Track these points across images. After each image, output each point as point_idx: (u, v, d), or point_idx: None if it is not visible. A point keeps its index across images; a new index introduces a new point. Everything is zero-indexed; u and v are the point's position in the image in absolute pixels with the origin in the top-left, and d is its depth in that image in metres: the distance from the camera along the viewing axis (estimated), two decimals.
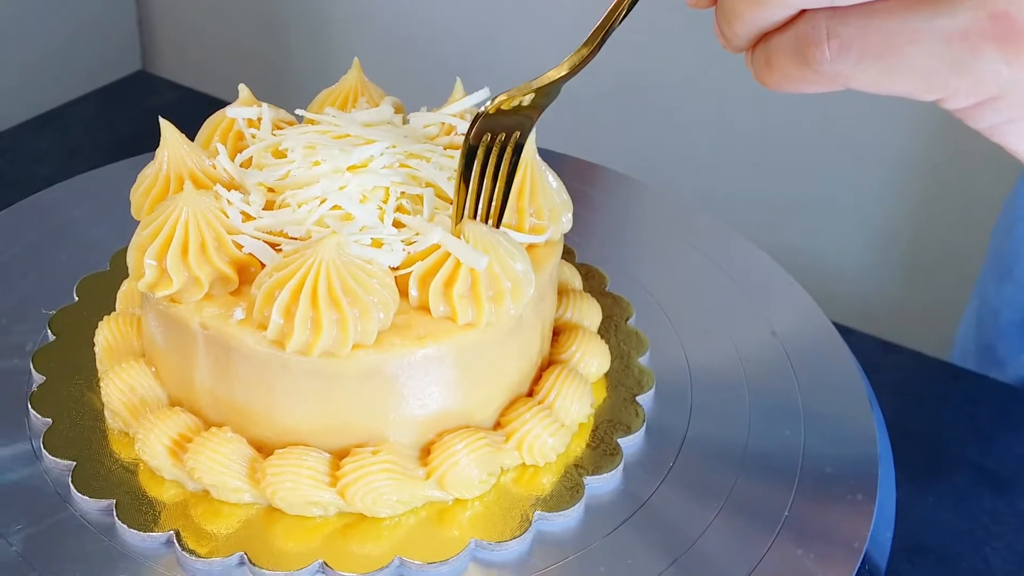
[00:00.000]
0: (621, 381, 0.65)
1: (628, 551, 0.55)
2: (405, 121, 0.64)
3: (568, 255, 0.75)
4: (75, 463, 0.56)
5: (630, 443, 0.61)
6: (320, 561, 0.52)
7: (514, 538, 0.54)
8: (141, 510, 0.54)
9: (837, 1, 0.35)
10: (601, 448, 0.60)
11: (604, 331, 0.68)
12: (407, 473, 0.54)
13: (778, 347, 0.69)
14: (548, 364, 0.63)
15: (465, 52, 1.43)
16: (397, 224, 0.56)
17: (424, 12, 1.44)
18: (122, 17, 1.60)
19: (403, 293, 0.54)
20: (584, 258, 0.76)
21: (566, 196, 0.61)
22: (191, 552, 0.52)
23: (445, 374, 0.54)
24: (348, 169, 0.56)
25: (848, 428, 0.63)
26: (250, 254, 0.54)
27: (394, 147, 0.58)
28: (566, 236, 0.65)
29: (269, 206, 0.57)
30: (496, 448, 0.56)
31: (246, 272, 0.55)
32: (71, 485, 0.55)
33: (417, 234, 0.55)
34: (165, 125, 0.57)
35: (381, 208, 0.55)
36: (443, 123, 0.64)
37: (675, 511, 0.57)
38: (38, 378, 0.62)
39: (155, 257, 0.53)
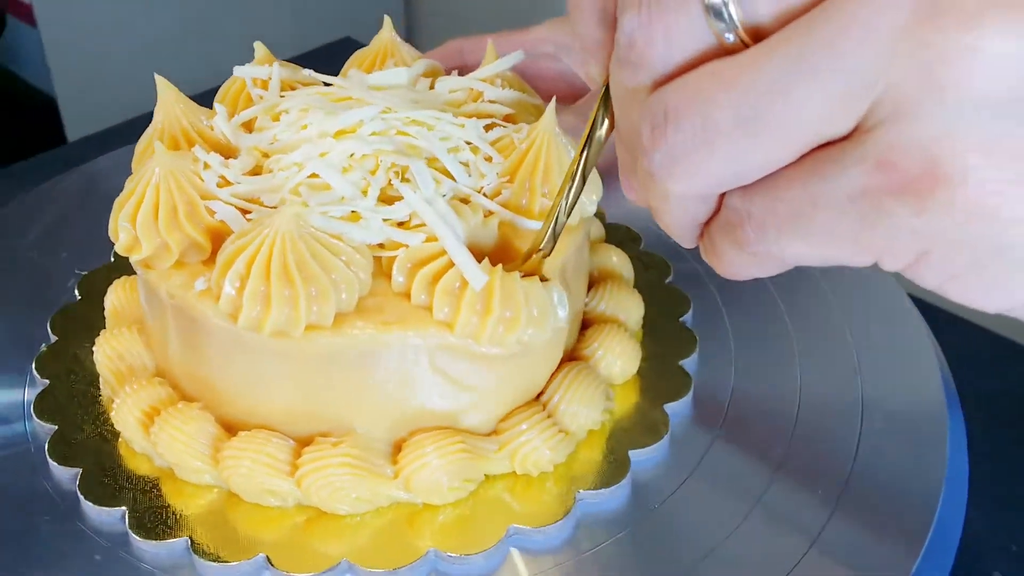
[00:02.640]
0: (653, 386, 0.57)
1: (611, 571, 0.48)
2: (432, 86, 0.59)
3: (632, 241, 0.68)
4: (56, 428, 0.55)
5: (644, 456, 0.54)
6: (263, 556, 0.48)
7: (481, 552, 0.49)
8: (104, 483, 0.52)
9: (736, 181, 0.32)
10: (610, 459, 0.53)
11: (650, 328, 0.61)
12: (372, 469, 0.50)
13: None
14: (570, 358, 0.56)
15: None
16: (388, 199, 0.51)
17: None
18: None
19: (386, 274, 0.50)
20: (655, 245, 0.68)
21: (591, 175, 0.54)
22: (141, 532, 0.49)
23: (415, 370, 0.49)
24: (335, 135, 0.52)
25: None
26: (222, 221, 0.50)
27: (391, 111, 0.53)
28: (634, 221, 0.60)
29: (258, 171, 0.53)
30: (475, 455, 0.50)
31: (220, 240, 0.51)
32: (45, 450, 0.54)
33: (412, 215, 0.50)
34: (160, 82, 0.54)
35: (367, 180, 0.50)
36: (471, 88, 0.58)
37: (676, 535, 0.50)
38: (52, 338, 0.61)
39: (128, 220, 0.51)
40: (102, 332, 0.57)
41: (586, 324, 0.59)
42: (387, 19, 0.61)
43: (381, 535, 0.50)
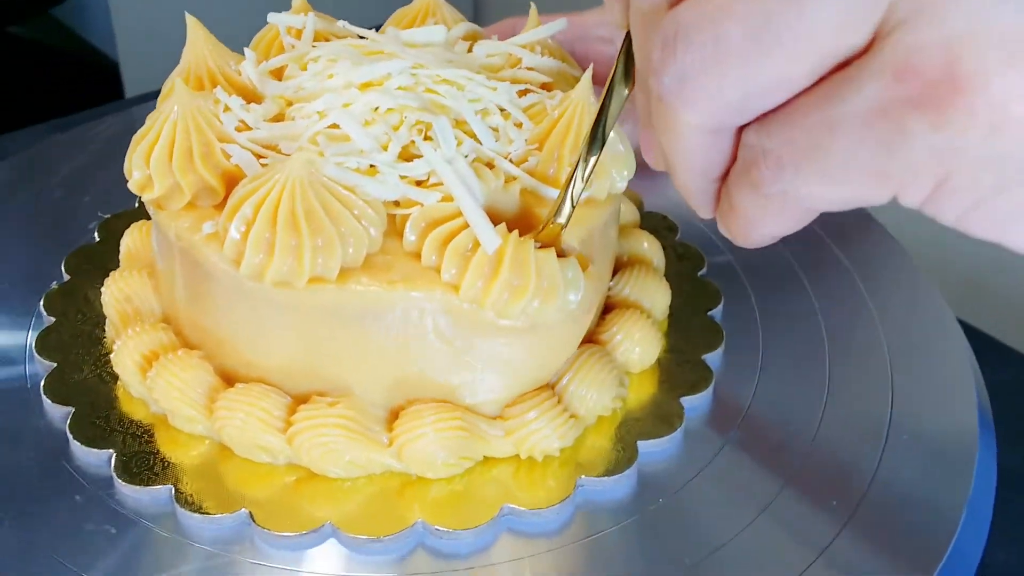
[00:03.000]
0: (672, 377, 0.55)
1: (606, 562, 0.46)
2: (470, 49, 0.57)
3: (669, 230, 0.66)
4: (55, 365, 0.54)
5: (654, 448, 0.51)
6: (246, 511, 0.47)
7: (472, 528, 0.46)
8: (95, 424, 0.51)
9: (749, 106, 0.31)
10: (618, 448, 0.51)
11: (675, 319, 0.58)
12: (366, 434, 0.48)
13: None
14: (588, 341, 0.54)
15: None
16: (409, 157, 0.49)
17: None
18: None
19: (400, 233, 0.48)
20: (691, 236, 0.66)
21: (625, 150, 0.52)
22: (125, 476, 0.48)
23: (417, 334, 0.47)
24: (360, 86, 0.50)
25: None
26: (237, 166, 0.49)
27: (421, 68, 0.51)
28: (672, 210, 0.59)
29: (280, 119, 0.52)
30: (474, 435, 0.48)
31: (234, 185, 0.49)
32: (41, 389, 0.53)
33: (431, 175, 0.48)
34: (191, 21, 0.53)
35: (388, 135, 0.49)
36: (509, 54, 0.56)
37: (678, 532, 0.47)
38: (65, 277, 0.60)
39: (143, 158, 0.49)
40: (112, 273, 0.56)
41: (609, 308, 0.56)
42: None
43: (370, 502, 0.48)
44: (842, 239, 0.66)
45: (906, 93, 0.27)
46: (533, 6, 0.58)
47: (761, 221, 0.33)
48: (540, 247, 0.46)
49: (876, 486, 0.50)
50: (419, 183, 0.48)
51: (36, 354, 0.55)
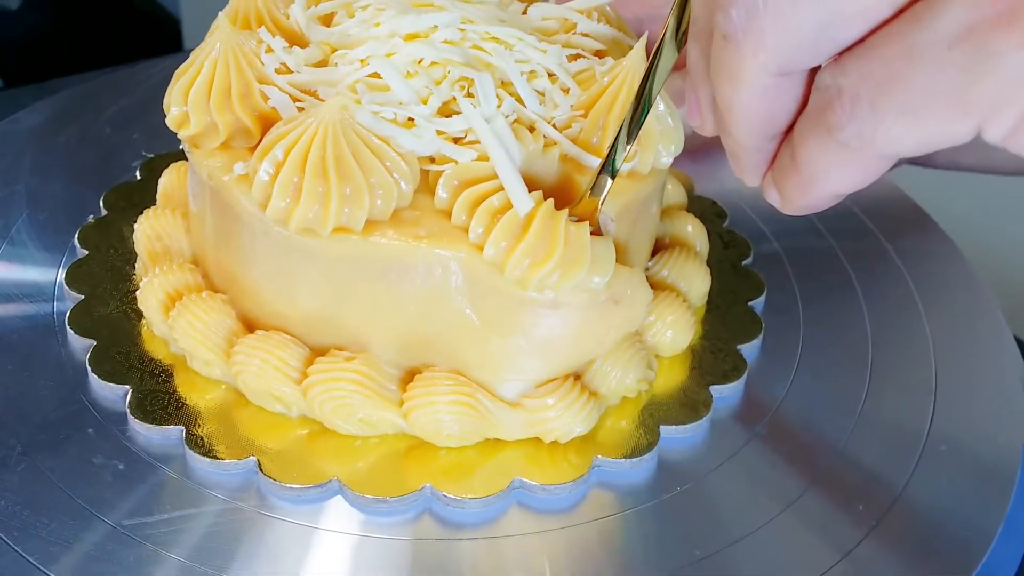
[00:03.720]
0: (703, 365, 0.53)
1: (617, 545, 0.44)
2: (525, 12, 0.56)
3: (718, 216, 0.64)
4: (83, 298, 0.54)
5: (677, 435, 0.49)
6: (254, 459, 0.46)
7: (480, 498, 0.45)
8: (115, 359, 0.50)
9: (824, 41, 0.29)
10: (639, 431, 0.49)
11: (713, 308, 0.57)
12: (381, 392, 0.47)
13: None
14: None
15: None
16: (449, 114, 0.47)
17: None
18: None
19: (432, 190, 0.46)
20: (740, 224, 0.64)
21: (674, 124, 0.50)
22: (138, 414, 0.48)
23: (439, 294, 0.45)
24: (405, 37, 0.49)
25: None
26: (274, 108, 0.48)
27: (471, 23, 0.49)
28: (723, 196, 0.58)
29: (323, 65, 0.50)
30: (484, 418, 0.47)
31: (270, 128, 0.48)
32: (66, 320, 0.52)
33: (468, 132, 0.47)
34: None
35: (430, 88, 0.47)
36: (565, 19, 0.55)
37: (694, 522, 0.46)
38: (103, 212, 0.60)
39: (182, 93, 0.49)
40: (145, 211, 0.55)
41: None
42: None
43: (380, 462, 0.47)
44: (896, 236, 0.63)
45: (993, 11, 0.26)
46: None
47: (828, 174, 0.32)
48: (575, 220, 0.44)
49: (907, 495, 0.48)
50: (456, 140, 0.47)
51: (65, 285, 0.54)
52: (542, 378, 0.48)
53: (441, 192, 0.45)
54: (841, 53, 0.30)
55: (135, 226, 0.55)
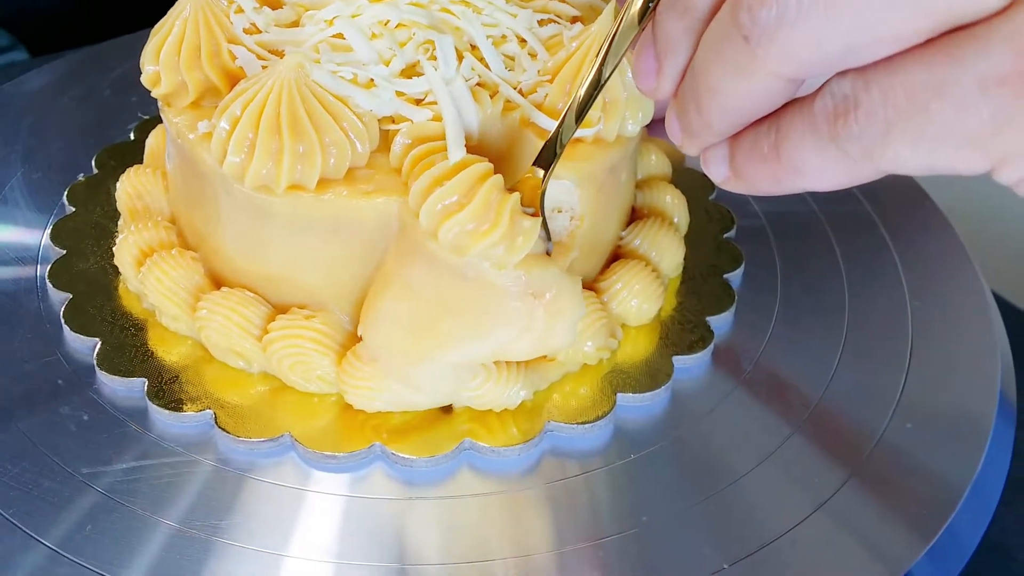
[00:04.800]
0: (671, 335, 0.53)
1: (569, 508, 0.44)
2: None
3: (703, 189, 0.63)
4: (65, 252, 0.55)
5: (634, 402, 0.49)
6: (211, 412, 0.47)
7: (430, 456, 0.46)
8: (88, 313, 0.52)
9: (849, 57, 0.29)
10: (596, 398, 0.49)
11: (688, 279, 0.56)
12: (338, 350, 0.47)
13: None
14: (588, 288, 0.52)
15: None
16: (412, 73, 0.48)
17: None
18: None
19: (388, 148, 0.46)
20: (726, 197, 0.63)
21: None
22: (104, 366, 0.49)
23: (388, 248, 0.46)
24: None
25: None
26: (241, 67, 0.48)
27: None
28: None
29: (295, 25, 0.51)
30: (409, 395, 0.47)
31: None
32: (46, 274, 0.54)
33: (426, 94, 0.47)
34: None
35: (393, 51, 0.47)
36: None
37: (653, 487, 0.46)
38: (94, 171, 0.61)
39: (154, 52, 0.49)
40: (128, 169, 0.56)
41: (616, 258, 0.54)
42: None
43: (335, 420, 0.47)
44: (882, 205, 0.62)
45: None
46: None
47: (813, 172, 0.31)
48: (513, 190, 0.43)
49: (880, 451, 0.48)
50: (419, 102, 0.47)
51: (50, 240, 0.56)
52: (463, 358, 0.46)
53: (395, 149, 0.46)
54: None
55: (118, 184, 0.56)
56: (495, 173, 0.43)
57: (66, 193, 0.59)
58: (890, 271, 0.58)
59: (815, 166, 0.31)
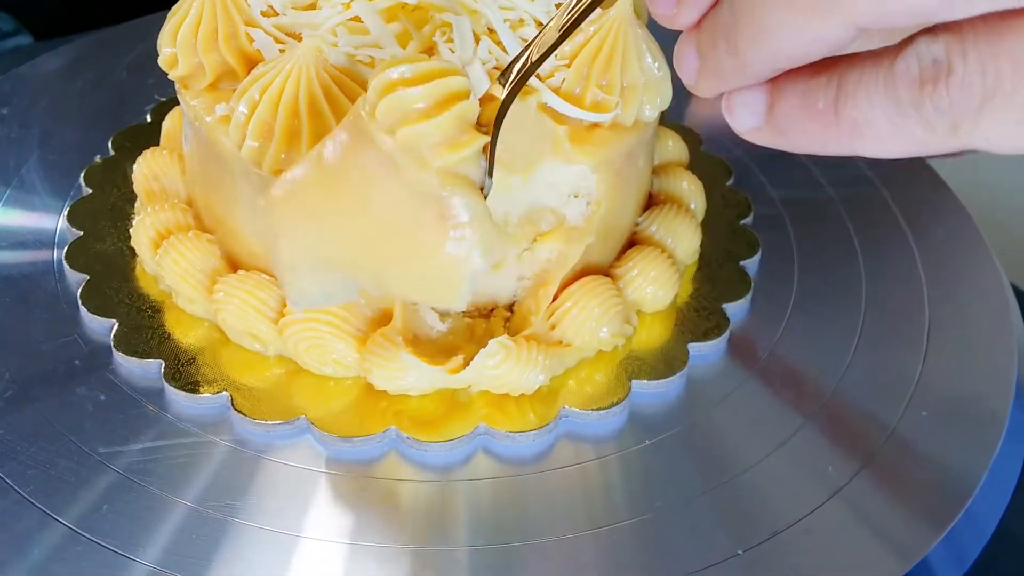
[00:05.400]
0: (686, 322, 0.53)
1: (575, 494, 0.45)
2: None
3: (722, 175, 0.63)
4: (82, 233, 0.55)
5: (650, 389, 0.49)
6: (227, 394, 0.47)
7: (444, 441, 0.46)
8: (105, 294, 0.52)
9: (956, 12, 0.25)
10: (612, 385, 0.49)
11: (704, 266, 0.56)
12: (355, 334, 0.47)
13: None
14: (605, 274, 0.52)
15: None
16: (428, 53, 0.48)
17: None
18: None
19: None
20: (747, 183, 0.63)
21: (660, 75, 0.49)
22: (121, 347, 0.49)
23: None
24: None
25: None
26: (259, 50, 0.48)
27: None
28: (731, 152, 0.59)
29: (312, 7, 0.51)
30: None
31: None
32: (63, 256, 0.54)
33: None
34: None
35: (410, 31, 0.47)
36: None
37: (669, 475, 0.46)
38: (111, 153, 0.61)
39: (171, 34, 0.49)
40: (144, 152, 0.56)
41: (632, 244, 0.54)
42: None
43: (352, 403, 0.47)
44: (901, 193, 0.62)
45: None
46: None
47: (879, 140, 0.28)
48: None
49: (894, 439, 0.48)
50: None
51: (67, 221, 0.56)
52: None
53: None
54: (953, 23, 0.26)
55: (134, 166, 0.56)
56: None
57: (83, 175, 0.59)
58: (907, 259, 0.58)
59: (882, 132, 0.28)
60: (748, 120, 0.31)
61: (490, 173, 0.41)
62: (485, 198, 0.40)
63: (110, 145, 0.62)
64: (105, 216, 0.56)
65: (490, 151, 0.40)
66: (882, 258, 0.58)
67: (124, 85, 0.68)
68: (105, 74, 0.69)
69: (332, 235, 0.41)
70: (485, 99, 0.42)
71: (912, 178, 0.63)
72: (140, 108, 0.65)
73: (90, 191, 0.58)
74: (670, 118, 0.67)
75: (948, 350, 0.52)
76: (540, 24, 0.50)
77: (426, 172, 0.38)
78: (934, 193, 0.63)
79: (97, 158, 0.61)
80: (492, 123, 0.40)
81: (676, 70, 0.33)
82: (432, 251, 0.40)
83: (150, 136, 0.61)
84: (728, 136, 0.65)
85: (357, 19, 0.48)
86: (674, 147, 0.60)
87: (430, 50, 0.48)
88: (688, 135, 0.64)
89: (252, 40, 0.48)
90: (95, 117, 0.65)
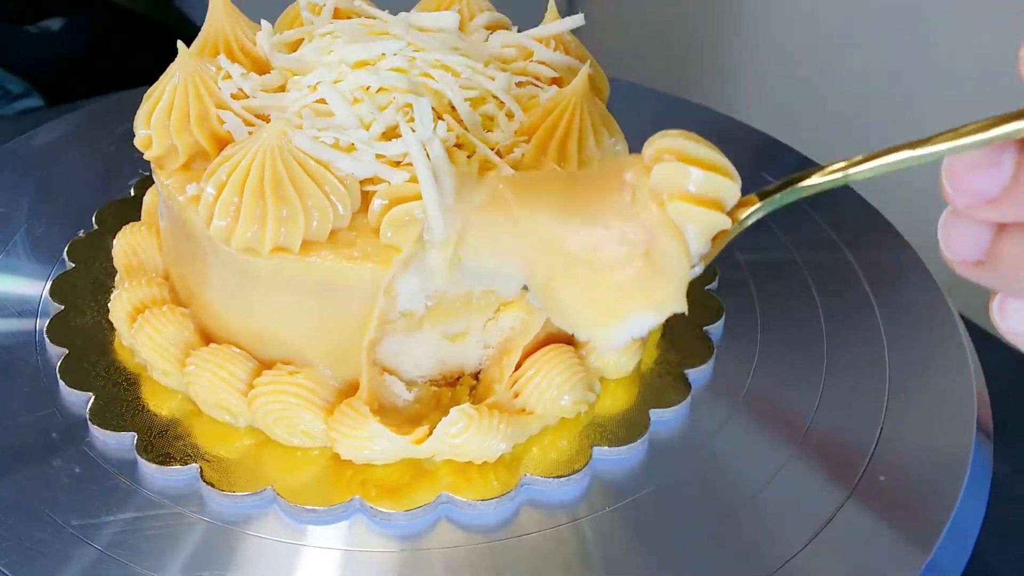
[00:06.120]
0: (649, 387, 0.54)
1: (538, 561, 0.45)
2: (487, 39, 0.57)
3: None
4: (63, 307, 0.57)
5: (611, 456, 0.50)
6: (197, 466, 0.48)
7: (408, 510, 0.47)
8: (83, 368, 0.53)
9: None
10: (574, 451, 0.50)
11: (669, 332, 0.57)
12: (322, 406, 0.49)
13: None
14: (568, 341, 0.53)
15: None
16: (394, 135, 0.49)
17: None
18: None
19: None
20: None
21: (617, 150, 0.51)
22: (96, 420, 0.50)
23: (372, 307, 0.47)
24: (353, 64, 0.51)
25: None
26: (229, 131, 0.50)
27: (421, 50, 0.51)
28: None
29: (282, 90, 0.53)
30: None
31: None
32: (44, 329, 0.55)
33: (405, 155, 0.48)
34: None
35: (374, 115, 0.49)
36: (525, 47, 0.56)
37: (633, 539, 0.46)
38: (94, 227, 0.63)
39: (145, 116, 0.52)
40: (125, 227, 0.58)
41: None
42: None
43: (319, 473, 0.49)
44: (865, 255, 0.63)
45: None
46: (552, 1, 0.57)
47: None
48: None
49: (851, 505, 0.49)
50: (398, 164, 0.49)
51: (48, 295, 0.58)
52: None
53: (373, 210, 0.47)
54: None
55: (115, 241, 0.58)
56: None
57: (66, 249, 0.61)
58: (870, 321, 0.59)
59: None
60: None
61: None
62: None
63: (94, 219, 0.63)
64: (87, 290, 0.58)
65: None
66: (845, 320, 0.59)
67: (112, 159, 0.70)
68: (95, 147, 0.71)
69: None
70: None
71: (876, 240, 0.65)
72: (125, 182, 0.67)
73: (73, 265, 0.60)
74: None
75: (908, 412, 0.53)
76: (501, 102, 0.51)
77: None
78: (898, 254, 0.64)
79: (81, 232, 0.62)
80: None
81: (946, 247, 0.32)
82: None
83: (133, 211, 0.63)
84: None
85: (323, 101, 0.50)
86: None
87: (393, 130, 0.49)
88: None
89: (223, 122, 0.50)
90: (82, 190, 0.67)
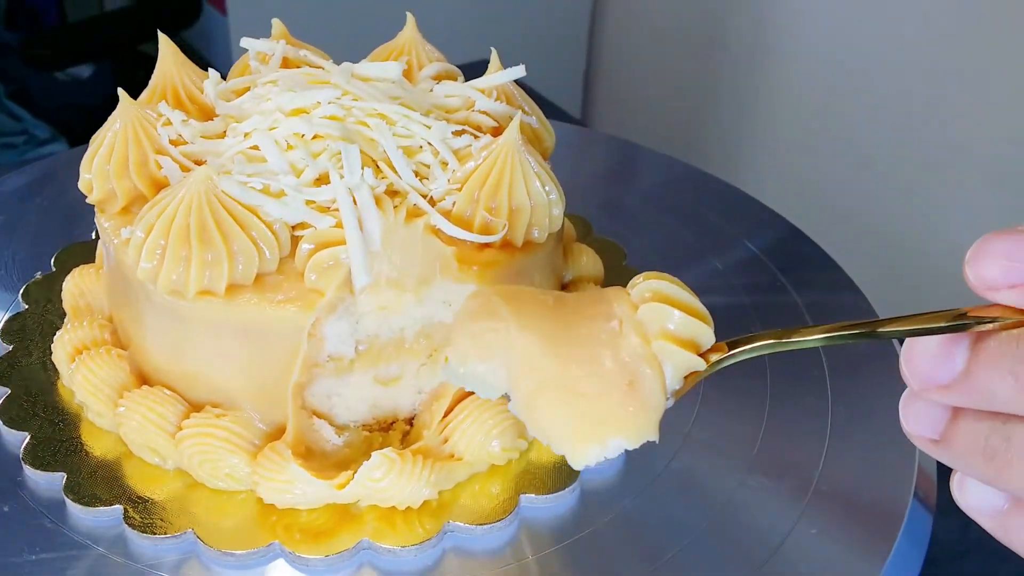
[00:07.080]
0: None
1: None
2: (431, 89, 0.58)
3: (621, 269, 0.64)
4: (11, 347, 0.57)
5: (540, 503, 0.50)
6: (120, 507, 0.48)
7: (326, 556, 0.47)
8: (22, 407, 0.54)
9: None
10: (501, 499, 0.50)
11: None
12: (248, 449, 0.49)
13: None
14: None
15: None
16: (326, 182, 0.50)
17: None
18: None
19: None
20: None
21: (548, 200, 0.51)
22: (28, 460, 0.51)
23: (297, 355, 0.47)
24: (288, 112, 0.51)
25: None
26: (166, 176, 0.51)
27: (358, 99, 0.52)
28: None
29: (223, 136, 0.54)
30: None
31: None
32: None
33: (334, 201, 0.49)
34: (163, 39, 0.56)
35: (306, 162, 0.50)
36: (468, 96, 0.57)
37: None
38: (52, 269, 0.64)
39: (88, 162, 0.52)
40: (74, 270, 0.59)
41: None
42: (410, 17, 0.61)
43: (244, 517, 0.48)
44: (813, 298, 0.63)
45: None
46: (494, 51, 0.58)
47: None
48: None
49: (785, 551, 0.48)
50: (328, 209, 0.49)
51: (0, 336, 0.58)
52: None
53: (300, 255, 0.48)
54: None
55: (64, 283, 0.58)
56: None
57: (22, 291, 0.62)
58: (815, 367, 0.58)
59: None
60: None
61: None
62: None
63: (52, 262, 0.64)
64: (36, 331, 0.59)
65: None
66: (789, 363, 0.59)
67: (78, 203, 0.70)
68: (63, 192, 0.72)
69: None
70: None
71: (824, 283, 0.65)
72: (90, 225, 0.68)
73: (27, 306, 0.61)
74: (599, 232, 0.69)
75: (847, 458, 0.53)
76: (436, 151, 0.52)
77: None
78: (846, 297, 0.64)
79: (38, 274, 0.63)
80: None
81: (905, 421, 0.33)
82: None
83: (90, 253, 0.64)
84: (654, 250, 0.67)
85: (256, 147, 0.50)
86: (588, 263, 0.61)
87: (326, 177, 0.50)
88: (611, 250, 0.66)
89: (161, 167, 0.51)
90: (45, 234, 0.68)
